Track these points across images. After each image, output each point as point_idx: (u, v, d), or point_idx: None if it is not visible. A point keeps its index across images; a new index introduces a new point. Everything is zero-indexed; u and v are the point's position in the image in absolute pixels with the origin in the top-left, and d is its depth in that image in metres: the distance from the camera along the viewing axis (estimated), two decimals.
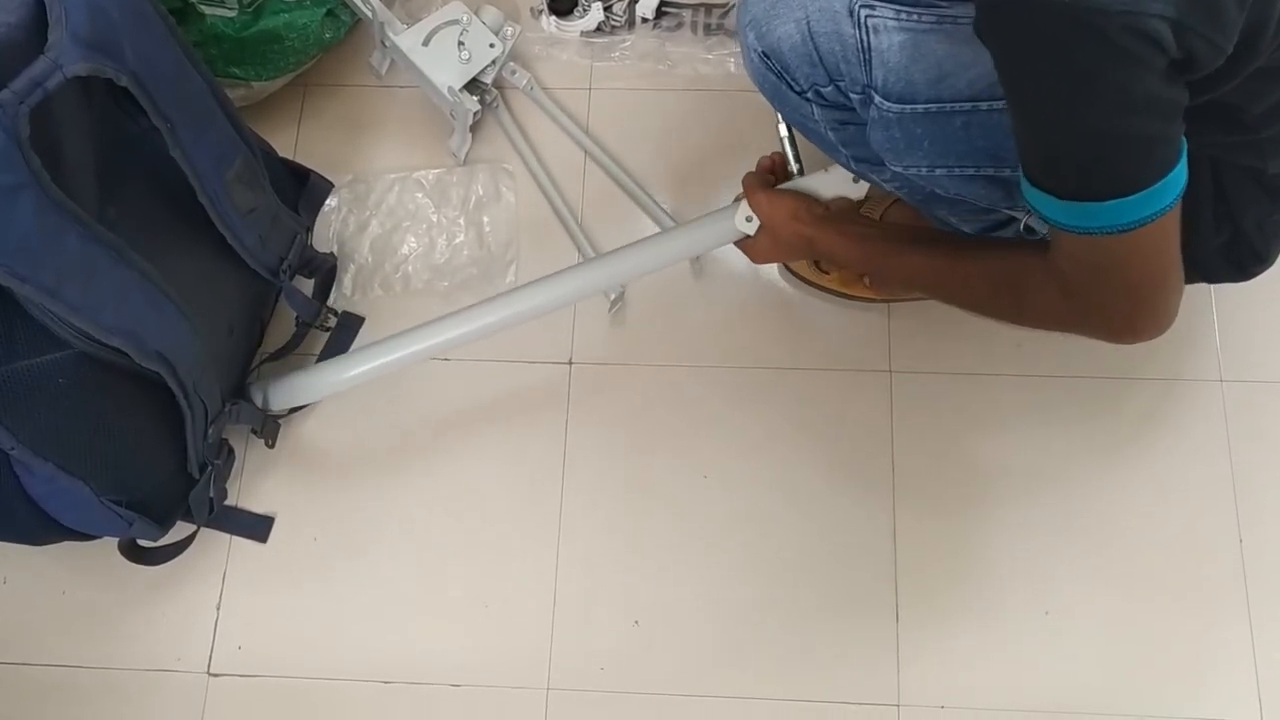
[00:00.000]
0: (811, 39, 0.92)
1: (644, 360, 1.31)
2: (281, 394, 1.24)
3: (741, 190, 1.13)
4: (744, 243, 1.14)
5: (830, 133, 0.99)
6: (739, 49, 1.07)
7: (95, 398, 1.01)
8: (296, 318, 1.28)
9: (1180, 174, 0.73)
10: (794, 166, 1.13)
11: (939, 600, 1.20)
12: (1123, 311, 0.81)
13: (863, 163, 1.01)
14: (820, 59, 0.92)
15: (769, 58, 0.96)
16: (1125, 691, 1.16)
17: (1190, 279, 0.83)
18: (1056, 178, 0.75)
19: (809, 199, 1.09)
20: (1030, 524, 1.22)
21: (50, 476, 1.03)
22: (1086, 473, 1.24)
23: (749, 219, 1.12)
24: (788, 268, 1.32)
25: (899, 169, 0.93)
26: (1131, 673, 1.17)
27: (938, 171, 0.92)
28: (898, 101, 0.88)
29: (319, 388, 1.24)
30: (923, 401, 1.27)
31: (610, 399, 1.29)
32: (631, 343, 1.31)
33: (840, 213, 1.09)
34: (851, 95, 0.93)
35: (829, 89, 0.94)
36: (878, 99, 0.89)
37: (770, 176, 1.14)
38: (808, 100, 0.97)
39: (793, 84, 0.97)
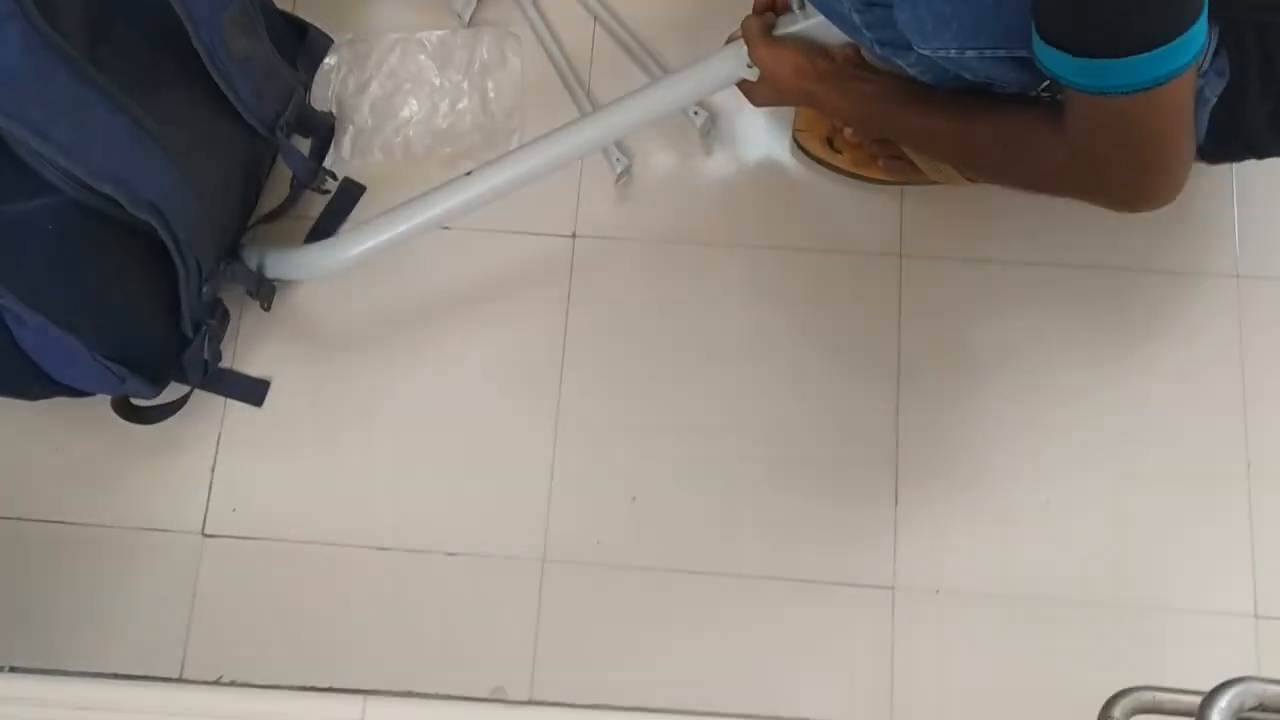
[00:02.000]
0: None
1: (649, 235, 1.28)
2: (278, 265, 1.22)
3: (739, 31, 1.07)
4: (745, 85, 1.10)
5: (855, 14, 0.95)
6: None
7: (87, 248, 0.99)
8: (293, 179, 1.24)
9: (1199, 33, 0.71)
10: (795, 3, 1.06)
11: (938, 486, 1.19)
12: (1133, 175, 0.80)
13: (888, 46, 0.96)
14: None
15: None
16: (1122, 583, 1.16)
17: (1239, 155, 0.81)
18: (1071, 31, 0.72)
19: (813, 51, 1.03)
20: (1034, 414, 1.21)
21: (42, 328, 1.01)
22: (1095, 365, 1.22)
23: (750, 65, 1.07)
24: (799, 144, 1.28)
25: (927, 51, 0.89)
26: (1130, 565, 1.17)
27: (967, 53, 0.88)
28: None
29: (317, 267, 1.21)
30: (932, 287, 1.25)
31: (613, 273, 1.27)
32: (637, 217, 1.28)
33: (845, 67, 1.03)
34: None
35: None
36: None
37: (770, 15, 1.07)
38: None
39: None
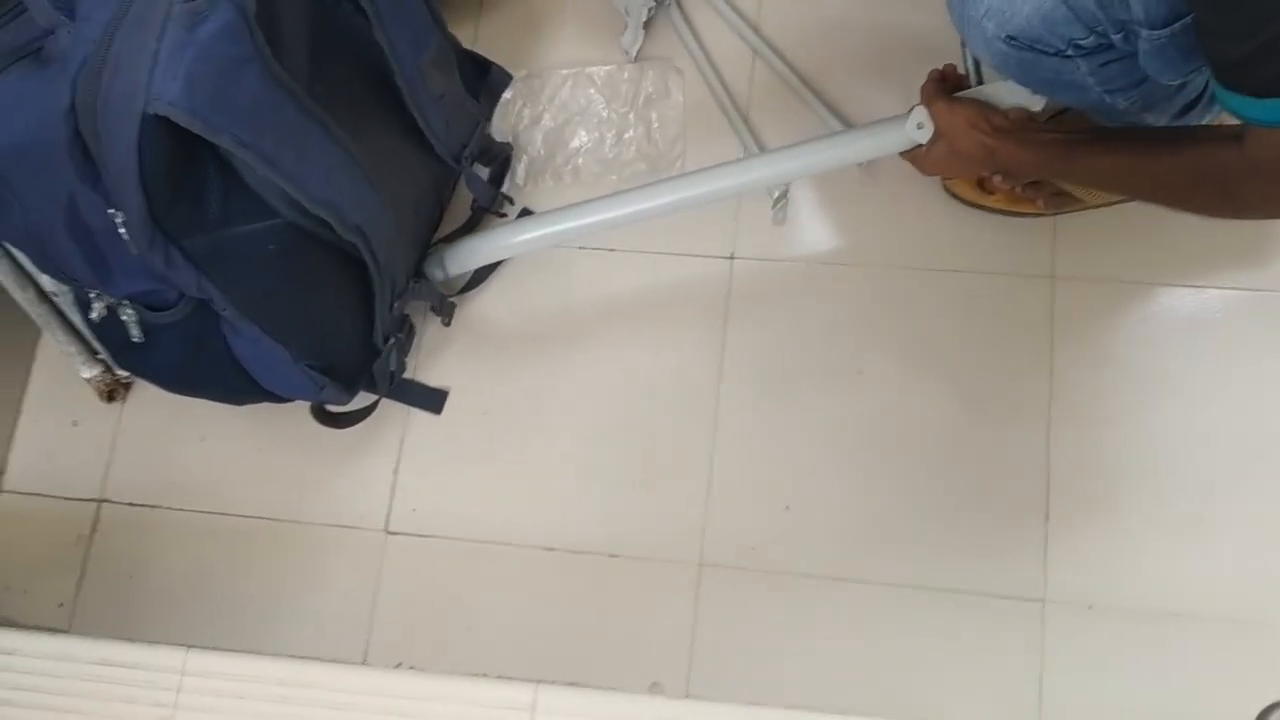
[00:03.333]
0: (1064, 1, 0.93)
1: (805, 257, 1.33)
2: (458, 257, 1.30)
3: (918, 101, 1.12)
4: (914, 153, 1.14)
5: (1090, 78, 0.99)
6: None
7: (299, 266, 1.09)
8: (473, 202, 1.34)
9: None
10: (972, 76, 1.12)
11: (1090, 502, 1.21)
12: None
13: (1116, 93, 1.01)
14: (1076, 15, 0.93)
15: (1015, 39, 0.97)
16: (1276, 600, 1.16)
17: None
18: (1255, 77, 0.76)
19: (988, 108, 1.08)
20: (1189, 432, 1.21)
21: (255, 338, 1.12)
22: (1247, 384, 1.22)
23: (920, 126, 1.11)
24: (951, 192, 1.31)
25: (1177, 81, 0.94)
26: None
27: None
28: (1164, 26, 0.87)
29: (492, 249, 1.30)
30: (1085, 308, 1.27)
31: (770, 292, 1.33)
32: (793, 240, 1.34)
33: (1021, 121, 1.08)
34: (1112, 36, 0.93)
35: (1088, 39, 0.94)
36: (1144, 32, 0.88)
37: (945, 84, 1.13)
38: (1068, 57, 0.97)
39: (1046, 49, 0.97)
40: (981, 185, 1.29)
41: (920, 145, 1.13)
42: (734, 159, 1.23)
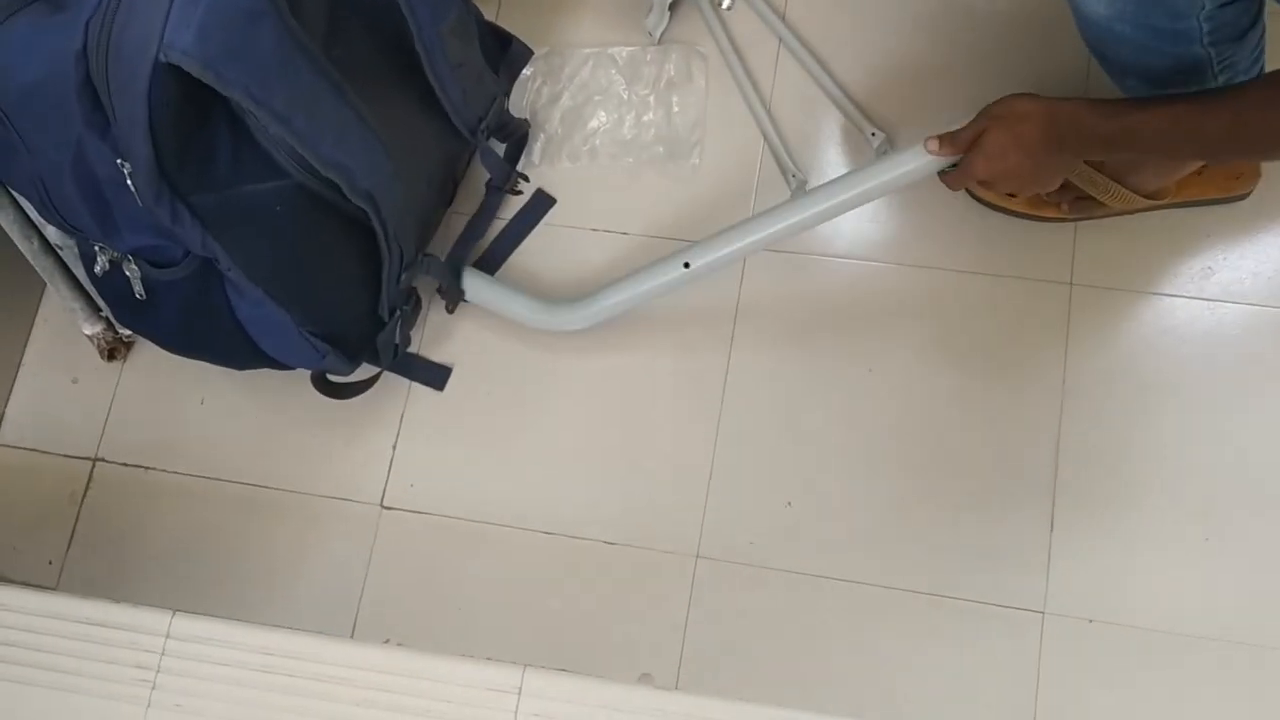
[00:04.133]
0: None
1: (820, 251, 1.32)
2: (480, 290, 1.30)
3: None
4: (959, 166, 1.07)
5: (1206, 23, 0.95)
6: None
7: (306, 230, 1.08)
8: (488, 181, 1.33)
9: None
10: None
11: (1096, 515, 1.19)
12: None
13: (1220, 44, 0.99)
14: None
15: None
16: (1277, 625, 1.14)
17: None
18: None
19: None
20: (1198, 448, 1.20)
21: (258, 302, 1.11)
22: (1262, 403, 1.20)
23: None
24: (974, 195, 1.29)
25: None
26: None
27: None
28: None
29: (520, 315, 1.29)
30: (1101, 316, 1.25)
31: (782, 286, 1.31)
32: (809, 233, 1.32)
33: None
34: None
35: None
36: None
37: None
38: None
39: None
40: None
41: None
42: (779, 204, 1.19)
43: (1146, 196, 1.20)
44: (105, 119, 0.93)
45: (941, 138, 1.06)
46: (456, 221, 1.37)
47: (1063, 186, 1.20)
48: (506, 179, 1.31)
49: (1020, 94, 1.03)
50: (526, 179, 1.35)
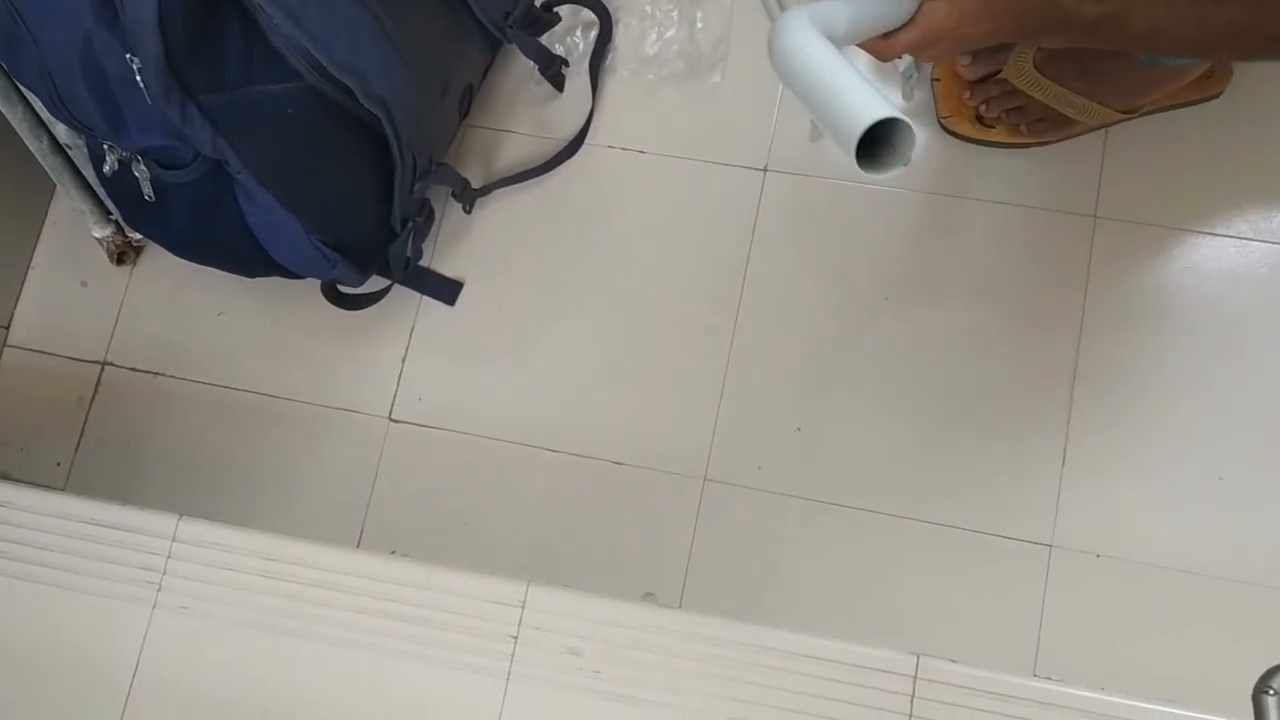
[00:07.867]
0: None
1: (838, 174, 1.29)
2: None
3: None
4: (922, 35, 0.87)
5: None
6: None
7: (317, 135, 1.06)
8: (533, 68, 1.30)
9: None
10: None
11: (1109, 450, 1.18)
12: None
13: None
14: None
15: None
16: None
17: None
18: None
19: None
20: (1216, 388, 1.18)
21: (269, 207, 1.09)
22: None
23: None
24: (948, 130, 1.26)
25: None
26: None
27: None
28: None
29: None
30: (1125, 251, 1.23)
31: (801, 208, 1.29)
32: (829, 155, 1.30)
33: None
34: None
35: None
36: None
37: None
38: None
39: None
40: (980, 120, 1.24)
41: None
42: None
43: (1122, 112, 1.18)
44: (114, 12, 0.90)
45: None
46: (471, 135, 1.35)
47: (1020, 108, 1.18)
48: (550, 64, 1.28)
49: None
50: (567, 63, 1.32)
